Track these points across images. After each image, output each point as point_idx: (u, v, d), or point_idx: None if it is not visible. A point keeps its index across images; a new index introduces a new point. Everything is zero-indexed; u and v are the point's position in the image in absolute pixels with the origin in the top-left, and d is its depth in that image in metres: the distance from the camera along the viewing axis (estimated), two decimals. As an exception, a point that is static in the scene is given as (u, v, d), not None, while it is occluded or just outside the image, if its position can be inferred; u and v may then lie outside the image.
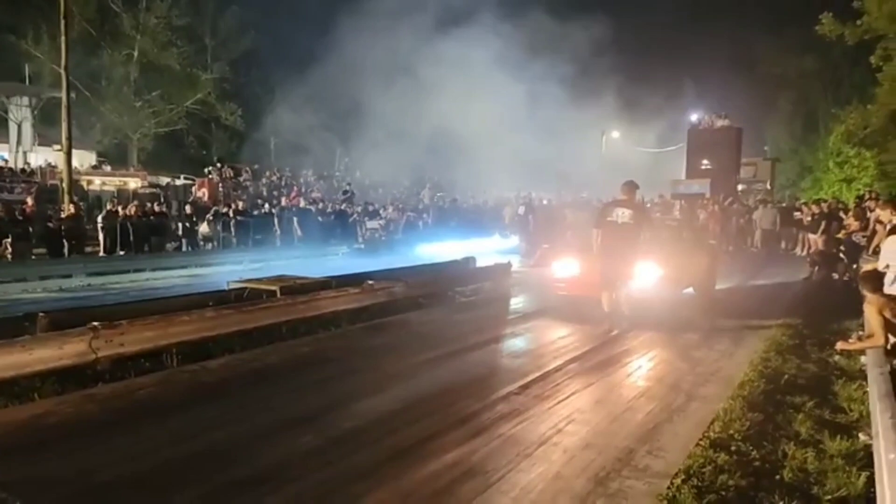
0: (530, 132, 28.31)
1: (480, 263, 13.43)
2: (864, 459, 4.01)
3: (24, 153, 26.78)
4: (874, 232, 8.97)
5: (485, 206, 25.94)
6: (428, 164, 31.79)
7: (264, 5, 30.64)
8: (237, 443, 4.53)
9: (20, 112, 26.60)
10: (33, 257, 13.85)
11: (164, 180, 26.48)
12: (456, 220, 22.40)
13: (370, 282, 9.44)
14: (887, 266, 5.87)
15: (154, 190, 23.19)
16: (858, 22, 14.43)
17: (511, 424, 4.94)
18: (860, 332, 6.45)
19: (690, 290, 10.37)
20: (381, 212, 22.67)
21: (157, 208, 16.93)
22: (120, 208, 16.49)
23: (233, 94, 34.08)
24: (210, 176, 26.27)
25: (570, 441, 4.62)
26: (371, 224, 21.46)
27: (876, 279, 5.37)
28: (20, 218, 14.31)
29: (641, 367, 6.81)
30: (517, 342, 8.11)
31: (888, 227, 6.55)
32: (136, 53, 30.58)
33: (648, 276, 8.95)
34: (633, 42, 42.37)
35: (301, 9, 27.96)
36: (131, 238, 15.22)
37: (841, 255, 12.36)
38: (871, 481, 3.66)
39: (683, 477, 3.88)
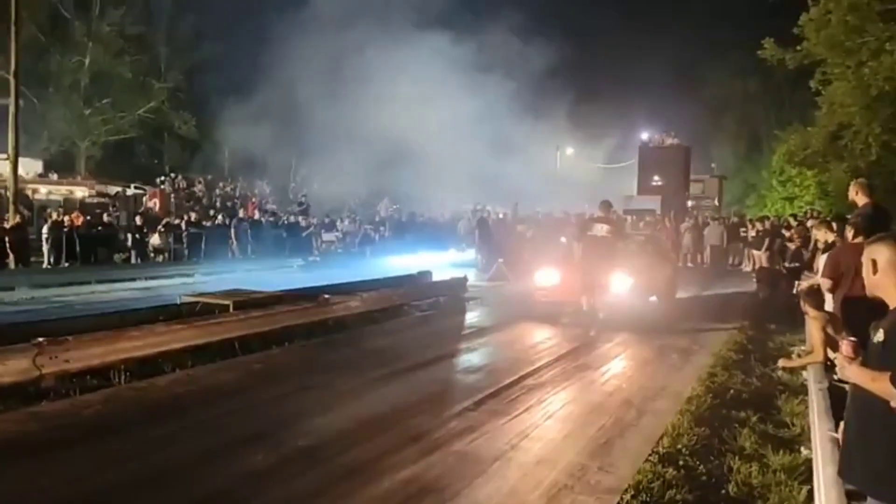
0: (487, 147, 28.63)
1: (437, 277, 13.48)
2: (806, 473, 4.14)
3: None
4: (815, 250, 9.38)
5: (441, 219, 26.04)
6: (385, 177, 31.75)
7: (221, 15, 30.19)
8: (185, 463, 4.41)
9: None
10: (-27, 269, 13.28)
11: (114, 190, 25.67)
12: (413, 234, 22.42)
13: (325, 296, 9.37)
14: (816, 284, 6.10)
15: (103, 199, 22.46)
16: (798, 47, 15.07)
17: (465, 441, 4.95)
18: (801, 349, 6.70)
19: (654, 298, 11.18)
20: (337, 224, 22.52)
21: (105, 218, 16.40)
22: (66, 218, 15.90)
23: (187, 103, 33.36)
24: (162, 186, 25.64)
25: (524, 457, 4.66)
26: (327, 236, 21.31)
27: (819, 296, 5.56)
28: (-39, 228, 13.72)
29: (595, 382, 6.93)
30: (472, 357, 8.14)
31: (823, 245, 6.86)
32: (87, 61, 29.69)
33: (622, 284, 10.05)
34: (585, 62, 43.35)
35: (258, 20, 27.71)
36: (78, 249, 14.71)
37: (783, 271, 12.85)
38: (812, 495, 3.79)
39: (633, 492, 3.95)
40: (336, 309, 9.34)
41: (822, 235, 7.03)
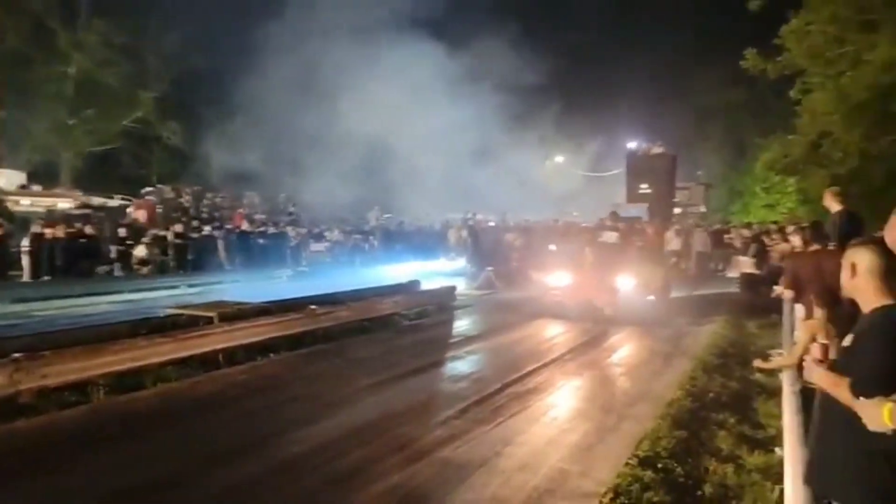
0: (475, 156, 28.80)
1: (426, 286, 13.54)
2: (780, 473, 4.23)
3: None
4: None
5: (431, 228, 26.11)
6: (374, 187, 31.81)
7: (210, 25, 30.15)
8: (166, 478, 4.42)
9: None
10: (-46, 282, 13.15)
11: (98, 201, 25.49)
12: (402, 243, 22.47)
13: (313, 306, 9.39)
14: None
15: (86, 211, 22.25)
16: (780, 58, 15.31)
17: (450, 448, 5.00)
18: (779, 352, 6.81)
19: (651, 297, 12.52)
20: (326, 234, 22.51)
21: (88, 230, 16.21)
22: (47, 230, 15.73)
23: (175, 113, 33.24)
24: (148, 197, 25.53)
25: (507, 463, 4.72)
26: (316, 246, 21.27)
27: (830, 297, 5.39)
28: (-60, 240, 13.57)
29: (578, 388, 7.01)
30: (459, 366, 8.19)
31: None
32: (71, 70, 29.57)
33: (627, 284, 11.55)
34: (573, 73, 43.73)
35: (248, 29, 27.69)
36: (59, 262, 14.57)
37: (764, 276, 13.04)
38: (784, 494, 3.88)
39: (612, 495, 4.03)
40: (324, 319, 9.36)
41: (797, 241, 7.18)
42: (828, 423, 2.52)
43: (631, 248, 13.28)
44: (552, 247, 22.56)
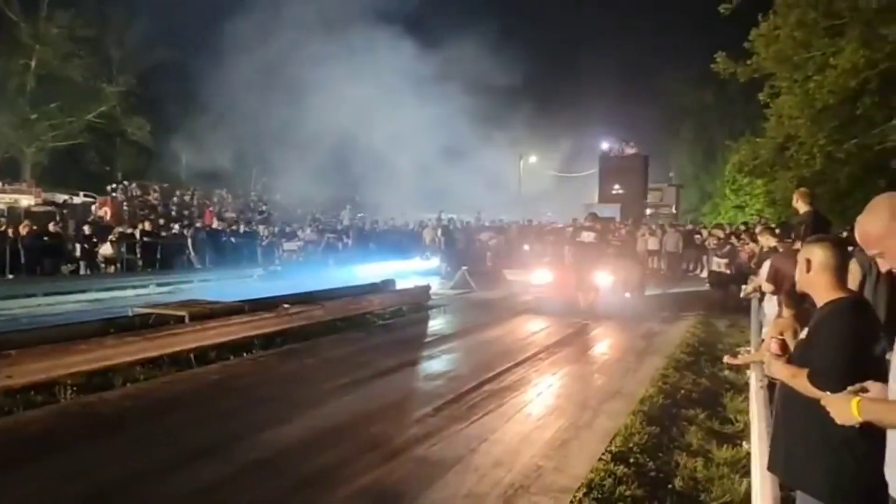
0: (449, 156, 28.81)
1: (400, 286, 13.50)
2: (747, 466, 4.32)
3: None
4: (761, 255, 9.78)
5: (405, 227, 26.05)
6: (347, 186, 31.64)
7: (176, 18, 29.60)
8: (134, 479, 4.31)
9: None
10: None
11: (62, 198, 24.88)
12: (376, 242, 22.36)
13: (286, 305, 9.29)
14: (760, 286, 6.30)
15: (49, 208, 21.67)
16: (749, 61, 15.55)
17: (425, 446, 4.99)
18: (748, 349, 6.95)
19: (628, 294, 13.22)
20: (298, 233, 22.29)
21: (52, 228, 15.78)
22: (10, 228, 15.28)
23: (141, 108, 32.57)
24: (114, 194, 25.01)
25: (482, 460, 4.72)
26: (288, 245, 21.03)
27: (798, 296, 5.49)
28: None
29: (552, 385, 7.05)
30: (434, 364, 8.18)
31: (765, 250, 7.17)
32: (33, 64, 28.79)
33: (605, 281, 12.19)
34: (547, 73, 44.23)
35: (217, 24, 27.29)
36: (22, 260, 14.17)
37: (733, 275, 13.31)
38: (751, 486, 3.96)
39: (585, 490, 4.06)
40: (296, 318, 9.27)
41: (766, 241, 7.34)
42: (789, 414, 2.58)
43: (609, 247, 13.84)
44: (526, 247, 22.83)
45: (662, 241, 21.71)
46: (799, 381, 2.45)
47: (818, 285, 2.49)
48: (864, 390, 2.00)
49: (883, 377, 2.07)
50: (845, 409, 1.97)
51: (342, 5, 27.03)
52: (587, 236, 12.79)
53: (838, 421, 2.01)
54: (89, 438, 5.11)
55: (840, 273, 2.49)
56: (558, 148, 40.85)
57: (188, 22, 28.15)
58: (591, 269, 12.08)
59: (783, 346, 2.70)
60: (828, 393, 2.09)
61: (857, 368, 2.25)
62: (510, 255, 22.15)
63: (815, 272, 2.49)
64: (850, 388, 2.06)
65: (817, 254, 2.49)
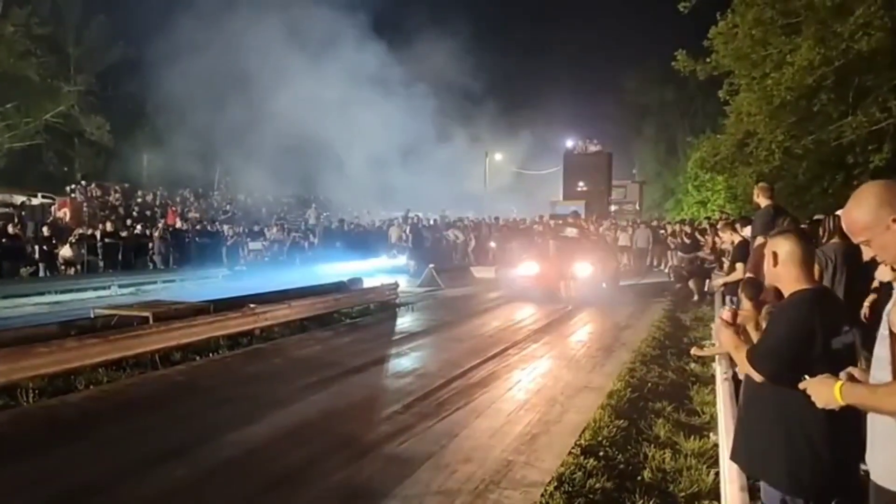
0: (413, 154, 28.81)
1: (367, 284, 13.43)
2: (714, 457, 4.41)
3: None
4: (720, 250, 10.00)
5: (372, 226, 25.91)
6: (312, 185, 31.35)
7: (136, 16, 28.88)
8: (98, 483, 4.21)
9: None
10: None
11: (20, 199, 24.09)
12: (343, 241, 22.18)
13: (251, 305, 9.16)
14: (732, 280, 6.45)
15: (7, 210, 20.99)
16: (708, 59, 15.83)
17: (395, 444, 4.97)
18: (713, 342, 7.08)
19: (604, 284, 14.24)
20: (265, 232, 21.98)
21: (10, 230, 15.30)
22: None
23: (100, 107, 31.69)
24: (73, 195, 24.30)
25: (452, 457, 4.72)
26: (254, 245, 20.73)
27: (757, 288, 5.66)
28: None
29: (522, 381, 7.08)
30: (403, 362, 8.15)
31: (730, 245, 7.32)
32: (-12, 62, 27.77)
33: (585, 272, 13.26)
34: (511, 71, 44.53)
35: (176, 22, 26.71)
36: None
37: (696, 269, 13.60)
38: (719, 476, 4.03)
39: (556, 484, 4.09)
40: (263, 318, 9.15)
41: (727, 237, 7.50)
42: (751, 406, 2.63)
43: (588, 242, 15.22)
44: (492, 244, 22.95)
45: (632, 237, 22.03)
46: (739, 354, 2.51)
47: (786, 278, 2.52)
48: (851, 376, 2.01)
49: (842, 368, 2.10)
50: (827, 392, 1.98)
51: (304, 3, 26.76)
52: (570, 231, 14.78)
53: (819, 404, 2.01)
54: (52, 442, 4.98)
55: (807, 265, 2.52)
56: (522, 145, 41.13)
57: (147, 20, 27.54)
58: (572, 260, 13.30)
59: (734, 315, 2.75)
60: (806, 377, 2.09)
61: (798, 359, 2.29)
62: (477, 253, 22.29)
63: (782, 265, 2.51)
64: (847, 369, 2.06)
65: (783, 246, 2.52)
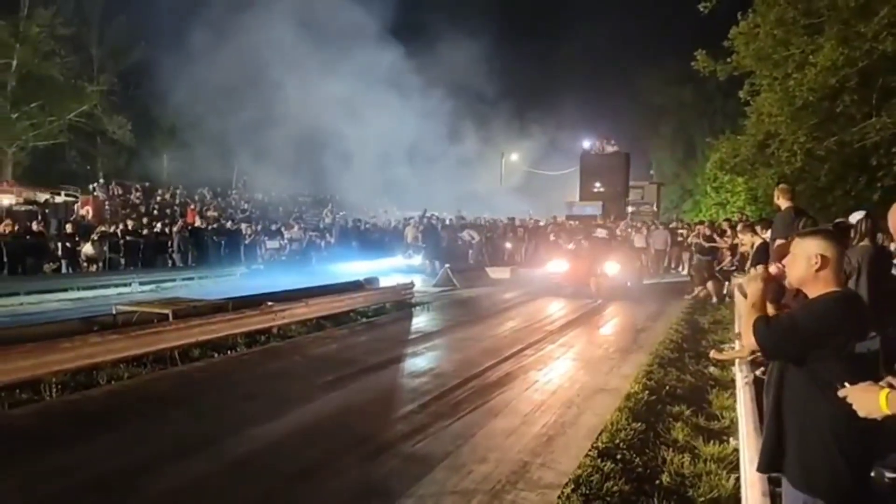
0: (431, 154, 28.85)
1: (383, 283, 13.47)
2: (734, 462, 4.36)
3: None
4: (741, 252, 9.90)
5: (388, 225, 26.00)
6: (330, 184, 31.54)
7: (159, 17, 29.25)
8: (121, 476, 4.28)
9: None
10: None
11: (43, 197, 24.50)
12: (359, 240, 22.28)
13: (269, 303, 9.23)
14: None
15: (31, 207, 21.37)
16: (729, 59, 15.67)
17: (411, 443, 4.99)
18: (732, 345, 7.02)
19: (629, 283, 15.19)
20: (282, 231, 22.15)
21: (34, 227, 15.59)
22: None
23: (122, 106, 32.14)
24: (95, 193, 24.67)
25: (468, 456, 4.72)
26: (271, 244, 20.90)
27: (779, 290, 5.60)
28: None
29: (538, 382, 7.06)
30: (419, 361, 8.17)
31: (750, 247, 7.25)
32: (14, 63, 28.24)
33: (613, 270, 14.32)
34: (528, 72, 44.38)
35: (198, 23, 27.01)
36: (4, 259, 13.96)
37: (716, 273, 13.45)
38: (740, 482, 3.99)
39: (573, 486, 4.07)
40: (280, 316, 9.22)
41: (748, 239, 7.43)
42: (779, 407, 2.52)
43: (616, 242, 16.98)
44: (508, 245, 22.93)
45: (649, 238, 21.87)
46: (751, 316, 2.43)
47: (825, 280, 2.40)
48: (893, 386, 1.92)
49: (865, 374, 2.06)
50: (872, 400, 1.90)
51: (324, 4, 26.94)
52: (601, 232, 16.96)
53: (862, 413, 1.93)
54: (75, 436, 5.06)
55: (839, 267, 2.43)
56: (539, 146, 41.01)
57: (169, 20, 27.89)
58: (603, 259, 14.43)
59: (781, 273, 2.63)
60: (847, 385, 2.01)
61: (806, 350, 2.24)
62: (492, 253, 22.28)
63: (826, 267, 2.40)
64: (887, 378, 1.98)
65: (831, 248, 2.42)
